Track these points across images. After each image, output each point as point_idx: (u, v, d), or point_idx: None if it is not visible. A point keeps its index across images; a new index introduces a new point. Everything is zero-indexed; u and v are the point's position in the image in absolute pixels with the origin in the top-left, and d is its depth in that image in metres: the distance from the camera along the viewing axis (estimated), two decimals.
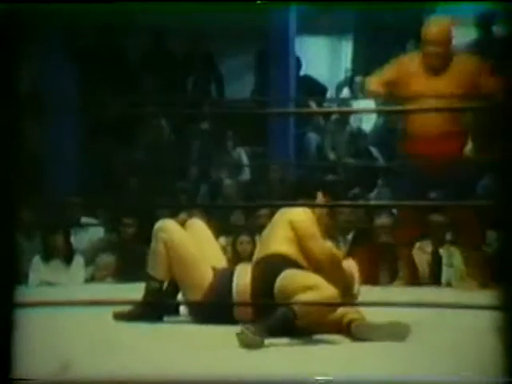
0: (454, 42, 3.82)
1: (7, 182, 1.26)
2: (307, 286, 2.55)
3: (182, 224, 3.03)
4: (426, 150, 3.74)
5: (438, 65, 3.74)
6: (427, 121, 3.70)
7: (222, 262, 2.99)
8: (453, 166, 3.76)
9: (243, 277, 2.83)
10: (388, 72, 3.84)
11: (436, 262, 4.41)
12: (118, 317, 2.86)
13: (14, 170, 1.26)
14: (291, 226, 2.84)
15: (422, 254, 4.44)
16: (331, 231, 3.05)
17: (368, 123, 6.52)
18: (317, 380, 1.90)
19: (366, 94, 3.82)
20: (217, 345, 2.42)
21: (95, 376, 1.89)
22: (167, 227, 2.89)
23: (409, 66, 3.80)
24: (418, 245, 4.48)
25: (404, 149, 3.97)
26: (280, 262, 2.78)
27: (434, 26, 3.74)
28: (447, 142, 3.76)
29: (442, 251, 4.37)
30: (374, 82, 3.84)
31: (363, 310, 2.66)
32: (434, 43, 3.71)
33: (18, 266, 1.27)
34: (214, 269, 2.88)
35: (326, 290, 2.53)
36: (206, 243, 2.96)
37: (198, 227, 3.01)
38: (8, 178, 1.26)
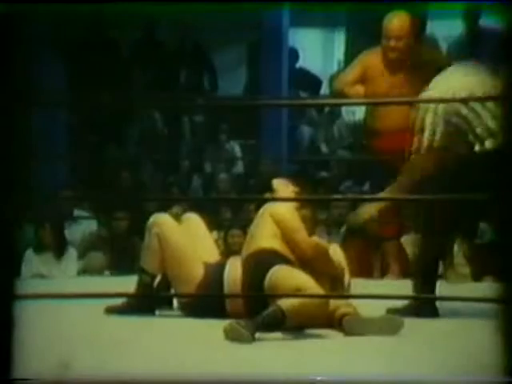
0: (413, 35, 3.85)
1: (7, 177, 1.25)
2: (296, 288, 2.55)
3: (178, 218, 3.03)
4: (392, 145, 3.78)
5: (399, 59, 3.77)
6: (392, 116, 3.74)
7: (215, 257, 2.98)
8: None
9: (234, 271, 2.83)
10: (353, 70, 3.86)
11: None
12: (110, 310, 2.85)
13: (14, 165, 1.25)
14: (273, 220, 2.83)
15: (414, 247, 4.43)
16: (313, 223, 3.04)
17: (361, 115, 6.51)
18: (308, 379, 1.89)
19: (334, 95, 3.84)
20: (209, 339, 2.42)
21: (91, 372, 1.88)
22: (161, 221, 2.89)
23: (372, 62, 3.83)
24: (410, 238, 4.48)
25: (372, 145, 4.00)
26: (268, 257, 2.78)
27: (394, 20, 3.76)
28: (412, 136, 3.79)
29: None
30: (341, 82, 3.86)
31: (356, 303, 2.65)
32: (394, 37, 3.74)
33: (17, 259, 1.27)
34: (205, 264, 2.88)
35: (314, 292, 2.53)
36: (200, 238, 2.96)
37: (194, 222, 3.00)
38: (8, 173, 1.25)
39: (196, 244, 2.92)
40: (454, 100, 3.13)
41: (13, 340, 1.23)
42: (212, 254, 2.98)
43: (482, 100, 2.91)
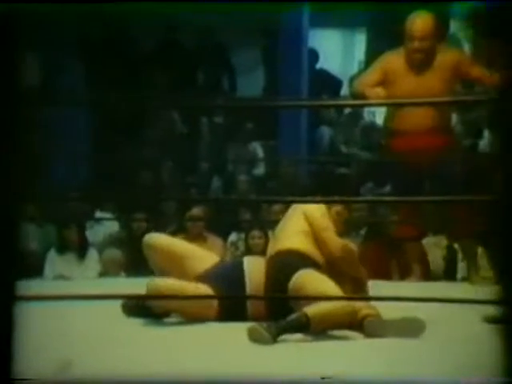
0: (436, 35, 3.80)
1: (8, 177, 1.24)
2: (321, 295, 2.54)
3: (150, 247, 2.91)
4: (414, 146, 3.74)
5: (423, 60, 3.73)
6: (415, 117, 3.70)
7: (215, 259, 2.94)
8: (442, 160, 3.76)
9: (256, 273, 2.80)
10: (374, 72, 3.82)
11: (451, 257, 4.37)
12: (126, 310, 2.84)
13: (14, 164, 1.25)
14: (305, 218, 2.84)
15: (436, 249, 4.40)
16: (347, 226, 3.03)
17: (381, 117, 6.46)
18: (323, 379, 1.87)
19: (354, 96, 3.80)
20: (227, 341, 2.40)
21: (98, 373, 1.86)
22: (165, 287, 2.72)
23: (394, 63, 3.78)
24: (432, 240, 4.44)
25: (392, 146, 3.96)
26: (295, 259, 2.76)
27: (417, 21, 3.71)
28: (435, 137, 3.75)
29: (456, 246, 4.33)
30: (361, 84, 3.82)
31: (378, 306, 2.62)
32: (418, 38, 3.69)
33: (20, 259, 1.25)
34: (198, 278, 2.80)
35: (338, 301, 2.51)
36: (182, 258, 2.87)
37: (166, 245, 2.90)
38: (9, 173, 1.24)
39: (186, 266, 2.84)
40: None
41: (13, 340, 1.22)
42: (212, 256, 2.94)
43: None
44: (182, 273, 2.81)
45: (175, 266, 2.84)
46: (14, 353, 1.22)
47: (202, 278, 2.81)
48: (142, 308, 2.82)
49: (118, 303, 2.83)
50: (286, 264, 2.75)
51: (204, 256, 2.95)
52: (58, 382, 1.76)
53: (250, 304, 2.76)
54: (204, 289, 2.76)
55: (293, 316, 2.43)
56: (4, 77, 1.24)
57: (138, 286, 2.93)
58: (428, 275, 4.19)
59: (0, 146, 1.23)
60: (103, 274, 4.73)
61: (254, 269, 2.82)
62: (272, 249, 2.90)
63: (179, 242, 3.00)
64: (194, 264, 2.88)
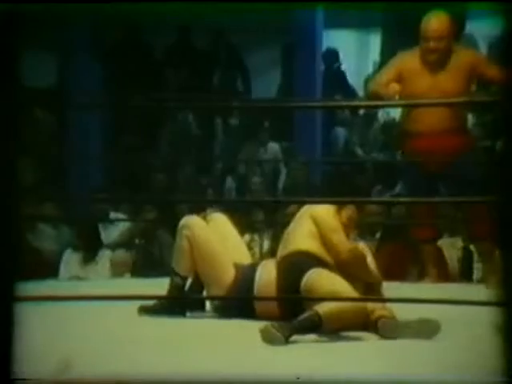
0: (452, 35, 3.76)
1: (8, 178, 1.23)
2: (332, 293, 2.52)
3: (204, 218, 3.01)
4: (429, 147, 3.71)
5: (439, 60, 3.69)
6: (430, 118, 3.66)
7: (245, 258, 2.97)
8: (457, 161, 3.73)
9: (266, 274, 2.80)
10: (388, 71, 3.79)
11: (467, 259, 4.33)
12: (143, 311, 2.85)
13: (15, 165, 1.24)
14: (313, 220, 2.81)
15: (452, 250, 4.36)
16: (359, 228, 2.99)
17: (396, 117, 6.43)
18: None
19: (369, 96, 3.78)
20: (239, 341, 2.39)
21: (101, 374, 1.85)
22: (191, 224, 2.88)
23: (409, 63, 3.76)
24: (448, 241, 4.40)
25: (407, 147, 3.93)
26: (305, 260, 2.74)
27: (432, 21, 3.68)
28: (451, 138, 3.72)
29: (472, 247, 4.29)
30: (376, 83, 3.79)
31: (393, 307, 2.59)
32: (433, 39, 3.66)
33: (18, 260, 1.24)
34: (236, 265, 2.87)
35: (351, 296, 2.50)
36: (229, 238, 2.95)
37: (221, 222, 2.99)
38: (9, 174, 1.23)
39: (226, 244, 2.91)
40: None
41: (13, 340, 1.22)
42: (243, 254, 2.96)
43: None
44: (224, 253, 2.85)
45: (224, 245, 2.88)
46: (13, 353, 1.21)
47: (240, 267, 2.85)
48: (159, 308, 2.82)
49: (124, 304, 2.82)
50: (297, 264, 2.74)
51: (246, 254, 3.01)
52: (58, 382, 1.75)
53: (257, 304, 2.76)
54: (232, 274, 2.82)
55: (304, 315, 2.42)
56: (4, 76, 1.24)
57: (145, 286, 2.92)
58: (446, 276, 4.15)
59: (0, 145, 1.23)
60: (112, 275, 4.73)
61: (264, 270, 2.82)
62: (282, 251, 2.89)
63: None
64: (236, 250, 2.93)
